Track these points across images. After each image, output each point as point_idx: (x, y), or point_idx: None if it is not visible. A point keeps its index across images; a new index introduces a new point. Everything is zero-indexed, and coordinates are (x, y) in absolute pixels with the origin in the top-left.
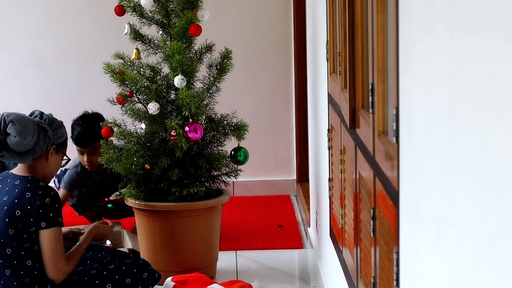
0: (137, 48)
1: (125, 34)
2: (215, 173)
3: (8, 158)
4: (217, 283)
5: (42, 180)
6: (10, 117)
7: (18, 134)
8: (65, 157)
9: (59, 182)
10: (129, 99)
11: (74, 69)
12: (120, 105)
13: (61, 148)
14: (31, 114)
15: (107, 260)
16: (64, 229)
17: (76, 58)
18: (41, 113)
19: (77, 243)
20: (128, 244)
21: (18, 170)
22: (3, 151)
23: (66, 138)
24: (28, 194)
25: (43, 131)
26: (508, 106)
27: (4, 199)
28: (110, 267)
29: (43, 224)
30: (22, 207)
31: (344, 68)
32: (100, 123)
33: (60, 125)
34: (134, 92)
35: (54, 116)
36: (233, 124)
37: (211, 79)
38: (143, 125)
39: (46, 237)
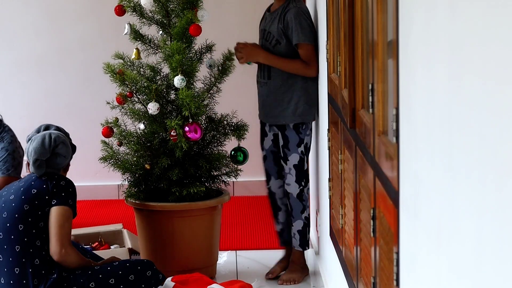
0: (137, 48)
1: (125, 34)
2: (215, 173)
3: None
4: (217, 283)
5: None
6: (60, 138)
7: (66, 154)
8: None
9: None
10: (129, 99)
11: (74, 69)
12: (120, 105)
13: None
14: (46, 128)
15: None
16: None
17: (76, 58)
18: (57, 127)
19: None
20: (128, 244)
21: None
22: (46, 169)
23: None
24: (44, 177)
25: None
26: (508, 106)
27: (21, 184)
28: (114, 263)
29: (54, 202)
30: (38, 186)
31: (344, 68)
32: None
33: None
34: (134, 92)
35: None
36: (233, 124)
37: (211, 79)
38: (141, 125)
39: (55, 212)
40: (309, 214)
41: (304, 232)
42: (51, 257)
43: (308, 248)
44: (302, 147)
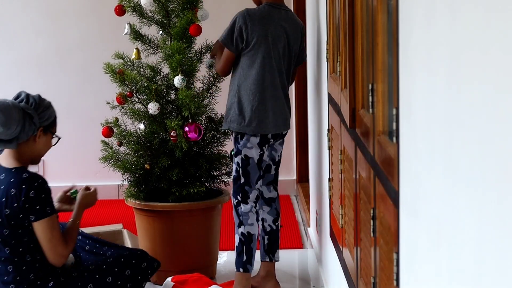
0: (137, 48)
1: (125, 34)
2: (215, 173)
3: None
4: (216, 283)
5: (26, 168)
6: None
7: (2, 125)
8: (54, 136)
9: None
10: (129, 99)
11: (74, 69)
12: (120, 105)
13: (50, 128)
14: (16, 97)
15: (107, 255)
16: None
17: (76, 58)
18: (27, 96)
19: (70, 219)
20: (128, 244)
21: (2, 158)
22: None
23: (55, 118)
24: (12, 191)
25: (28, 117)
26: (508, 106)
27: None
28: (109, 261)
29: (32, 218)
30: (10, 205)
31: (344, 68)
32: None
33: (47, 106)
34: (134, 92)
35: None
36: None
37: (211, 79)
38: (141, 125)
39: (39, 228)
40: (248, 233)
41: (240, 251)
42: (44, 265)
43: (245, 272)
44: (239, 159)
